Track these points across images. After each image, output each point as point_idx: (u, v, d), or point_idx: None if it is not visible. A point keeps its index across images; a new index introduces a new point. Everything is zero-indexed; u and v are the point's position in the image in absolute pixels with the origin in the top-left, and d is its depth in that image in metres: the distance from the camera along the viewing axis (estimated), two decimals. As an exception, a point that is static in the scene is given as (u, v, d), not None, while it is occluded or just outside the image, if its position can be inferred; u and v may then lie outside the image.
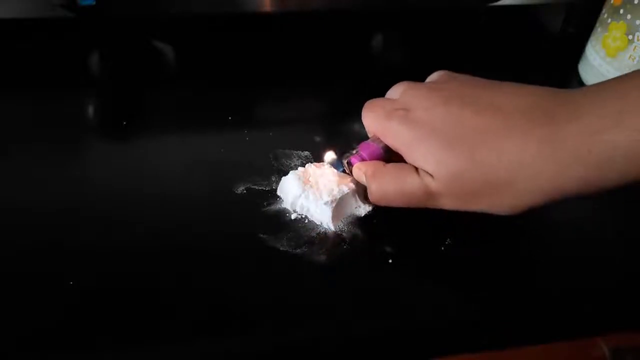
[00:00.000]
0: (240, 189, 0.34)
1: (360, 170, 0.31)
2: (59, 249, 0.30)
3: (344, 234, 0.31)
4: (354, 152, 0.32)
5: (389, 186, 0.29)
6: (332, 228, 0.31)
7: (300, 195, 0.32)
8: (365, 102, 0.32)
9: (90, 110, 0.43)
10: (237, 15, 0.52)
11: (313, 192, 0.32)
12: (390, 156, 0.31)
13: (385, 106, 0.30)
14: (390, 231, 0.32)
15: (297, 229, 0.32)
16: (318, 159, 0.36)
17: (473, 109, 0.27)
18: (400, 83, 0.32)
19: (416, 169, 0.29)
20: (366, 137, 0.33)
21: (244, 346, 0.26)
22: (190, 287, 0.28)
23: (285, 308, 0.27)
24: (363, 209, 0.33)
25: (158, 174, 0.36)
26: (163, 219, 0.32)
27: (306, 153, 0.37)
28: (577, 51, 0.48)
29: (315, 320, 0.27)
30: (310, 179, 0.33)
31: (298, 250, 0.30)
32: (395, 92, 0.32)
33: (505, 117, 0.27)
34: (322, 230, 0.32)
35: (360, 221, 0.32)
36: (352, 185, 0.32)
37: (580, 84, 0.47)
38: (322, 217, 0.32)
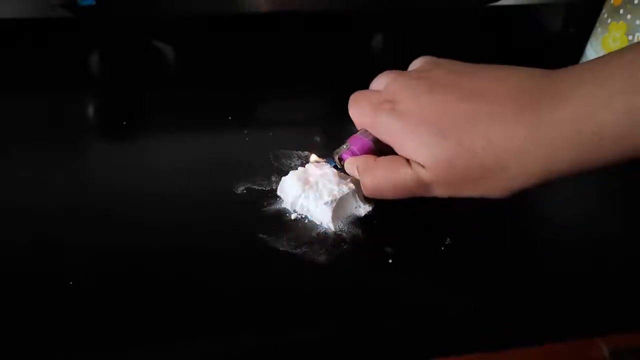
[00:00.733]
0: (240, 189, 0.34)
1: (352, 165, 0.32)
2: (59, 249, 0.30)
3: (344, 234, 0.31)
4: (345, 147, 0.32)
5: (382, 179, 0.30)
6: (332, 228, 0.31)
7: (300, 195, 0.32)
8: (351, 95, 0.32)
9: (90, 110, 0.43)
10: (237, 15, 0.52)
11: (313, 192, 0.32)
12: (380, 147, 0.31)
13: (371, 99, 0.30)
14: (390, 231, 0.32)
15: (297, 229, 0.32)
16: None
17: (459, 96, 0.27)
18: (384, 73, 0.32)
19: (407, 160, 0.29)
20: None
21: (244, 346, 0.26)
22: (190, 287, 0.28)
23: (285, 308, 0.27)
24: (363, 209, 0.33)
25: (158, 174, 0.36)
26: (163, 219, 0.32)
27: (306, 153, 0.37)
28: (577, 51, 0.48)
29: (315, 320, 0.27)
30: (310, 179, 0.33)
31: (298, 250, 0.30)
32: (380, 82, 0.31)
33: (491, 102, 0.26)
34: (322, 230, 0.32)
35: (360, 221, 0.32)
36: (352, 185, 0.32)
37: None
38: (322, 217, 0.32)
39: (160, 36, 0.51)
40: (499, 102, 0.26)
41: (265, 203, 0.33)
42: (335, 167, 0.33)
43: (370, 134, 0.31)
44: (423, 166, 0.28)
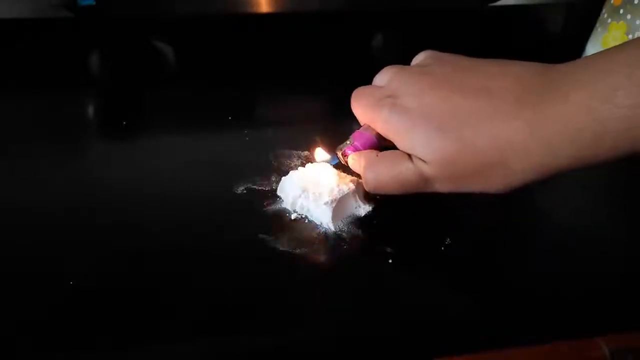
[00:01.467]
0: (240, 189, 0.34)
1: (355, 160, 0.32)
2: (59, 249, 0.30)
3: (344, 234, 0.31)
4: (348, 142, 0.32)
5: (384, 174, 0.30)
6: (332, 228, 0.31)
7: (300, 195, 0.32)
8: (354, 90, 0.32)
9: (90, 110, 0.43)
10: (237, 15, 0.52)
11: (313, 192, 0.32)
12: (384, 142, 0.31)
13: (373, 94, 0.31)
14: (390, 231, 0.32)
15: (297, 229, 0.32)
16: (312, 157, 0.36)
17: (460, 92, 0.27)
18: (387, 68, 0.32)
19: (409, 155, 0.29)
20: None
21: (244, 346, 0.26)
22: (190, 287, 0.28)
23: (285, 308, 0.27)
24: (363, 209, 0.33)
25: (158, 174, 0.36)
26: (163, 219, 0.32)
27: (306, 153, 0.37)
28: (577, 51, 0.48)
29: (315, 320, 0.27)
30: (311, 179, 0.33)
31: (298, 250, 0.30)
32: (382, 78, 0.32)
33: (493, 99, 0.27)
34: (322, 230, 0.32)
35: (360, 221, 0.32)
36: (352, 185, 0.32)
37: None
38: (322, 217, 0.32)
39: (160, 36, 0.51)
40: (501, 98, 0.26)
41: (265, 203, 0.33)
42: (339, 163, 0.33)
43: (374, 129, 0.31)
44: (425, 161, 0.28)
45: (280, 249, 0.30)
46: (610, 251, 0.32)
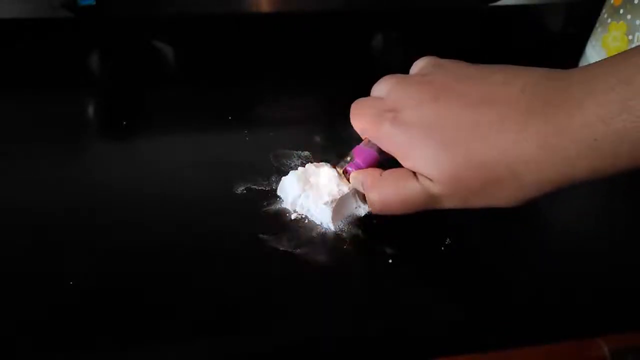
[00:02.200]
0: (240, 189, 0.34)
1: (357, 179, 0.31)
2: (59, 249, 0.30)
3: (344, 234, 0.31)
4: (349, 159, 0.32)
5: (389, 195, 0.29)
6: (332, 228, 0.31)
7: (300, 195, 0.32)
8: (352, 102, 0.31)
9: (90, 110, 0.43)
10: (237, 15, 0.52)
11: (313, 192, 0.32)
12: (386, 157, 0.30)
13: (373, 107, 0.29)
14: (390, 231, 0.32)
15: (297, 229, 0.32)
16: (318, 159, 0.36)
17: (463, 103, 0.26)
18: (385, 78, 0.31)
19: (414, 173, 0.28)
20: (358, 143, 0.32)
21: (243, 346, 0.26)
22: (190, 287, 0.28)
23: (285, 308, 0.27)
24: (363, 209, 0.33)
25: (158, 174, 0.36)
26: (163, 219, 0.32)
27: (306, 153, 0.37)
28: (577, 51, 0.48)
29: (315, 320, 0.27)
30: (310, 179, 0.33)
31: (298, 250, 0.30)
32: (381, 89, 0.30)
33: (498, 110, 0.25)
34: (322, 230, 0.32)
35: (360, 221, 0.32)
36: (352, 186, 0.32)
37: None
38: (322, 217, 0.32)
39: (160, 36, 0.51)
40: (507, 109, 0.25)
41: (265, 203, 0.33)
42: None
43: (375, 144, 0.30)
44: (430, 179, 0.27)
45: (280, 249, 0.30)
46: (610, 251, 0.32)
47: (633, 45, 0.40)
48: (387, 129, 0.28)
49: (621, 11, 0.41)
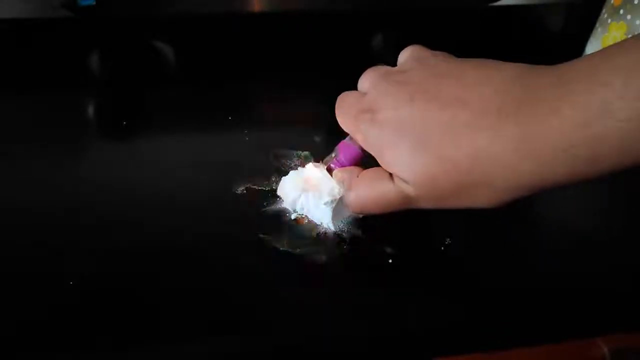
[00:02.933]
0: (240, 189, 0.34)
1: (339, 177, 0.31)
2: (59, 249, 0.30)
3: (344, 234, 0.31)
4: (333, 155, 0.32)
5: (366, 196, 0.29)
6: (332, 228, 0.31)
7: (300, 195, 0.32)
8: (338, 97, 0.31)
9: (90, 110, 0.43)
10: (237, 15, 0.52)
11: (313, 192, 0.32)
12: (368, 154, 0.30)
13: (353, 105, 0.30)
14: (390, 231, 0.32)
15: (297, 229, 0.32)
16: (318, 159, 0.36)
17: (438, 104, 0.26)
18: (368, 72, 0.31)
19: (390, 173, 0.28)
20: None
21: (244, 346, 0.26)
22: (190, 287, 0.28)
23: (285, 308, 0.27)
24: (363, 209, 0.33)
25: (158, 174, 0.36)
26: (163, 219, 0.32)
27: (306, 153, 0.37)
28: (577, 51, 0.48)
29: (315, 321, 0.27)
30: (311, 179, 0.33)
31: (298, 250, 0.30)
32: (364, 84, 0.30)
33: (472, 111, 0.25)
34: (322, 230, 0.32)
35: (360, 221, 0.32)
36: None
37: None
38: (322, 217, 0.32)
39: (160, 36, 0.51)
40: (481, 110, 0.24)
41: (265, 203, 0.33)
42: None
43: None
44: (406, 181, 0.27)
45: (280, 249, 0.30)
46: (610, 251, 0.32)
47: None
48: (364, 129, 0.28)
49: (621, 11, 0.41)
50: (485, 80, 0.25)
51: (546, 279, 0.30)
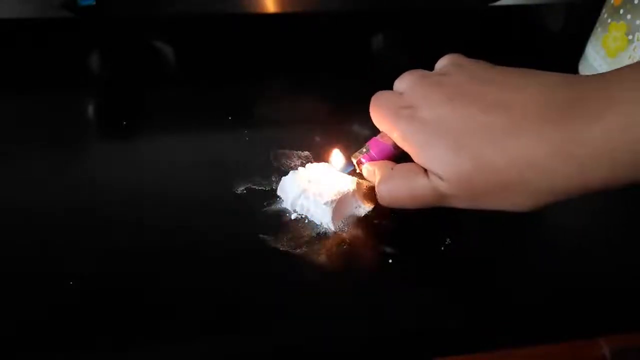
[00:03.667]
0: (240, 189, 0.34)
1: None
2: (59, 249, 0.30)
3: (344, 234, 0.31)
4: (364, 150, 0.32)
5: (398, 189, 0.29)
6: (332, 228, 0.31)
7: (300, 195, 0.32)
8: (372, 95, 0.31)
9: (90, 110, 0.43)
10: (237, 15, 0.52)
11: (313, 192, 0.32)
12: (401, 151, 0.30)
13: (392, 103, 0.30)
14: (390, 231, 0.32)
15: (297, 229, 0.32)
16: (318, 159, 0.36)
17: (479, 108, 0.26)
18: (408, 74, 0.31)
19: (425, 170, 0.28)
20: (369, 137, 0.33)
21: (244, 346, 0.26)
22: (190, 287, 0.28)
23: (285, 308, 0.27)
24: (363, 209, 0.33)
25: (158, 174, 0.36)
26: (163, 219, 0.32)
27: (306, 153, 0.37)
28: (577, 51, 0.48)
29: (315, 320, 0.27)
30: (310, 179, 0.33)
31: (298, 250, 0.30)
32: (402, 84, 0.31)
33: (513, 115, 0.25)
34: (322, 230, 0.32)
35: (360, 221, 0.32)
36: (352, 185, 0.32)
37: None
38: (322, 217, 0.32)
39: (160, 36, 0.51)
40: (522, 114, 0.25)
41: (265, 203, 0.33)
42: (354, 170, 0.33)
43: (391, 138, 0.31)
44: (441, 178, 0.27)
45: (280, 249, 0.30)
46: (610, 251, 0.32)
47: (633, 46, 0.40)
48: (403, 126, 0.28)
49: (621, 11, 0.41)
50: (526, 86, 0.26)
51: (546, 279, 0.30)
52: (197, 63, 0.50)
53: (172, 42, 0.51)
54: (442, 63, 0.31)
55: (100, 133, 0.41)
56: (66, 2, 0.45)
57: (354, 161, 0.33)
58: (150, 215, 0.32)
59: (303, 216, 0.32)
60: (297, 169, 0.34)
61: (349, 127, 0.39)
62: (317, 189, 0.32)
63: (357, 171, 0.33)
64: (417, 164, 0.28)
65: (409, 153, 0.29)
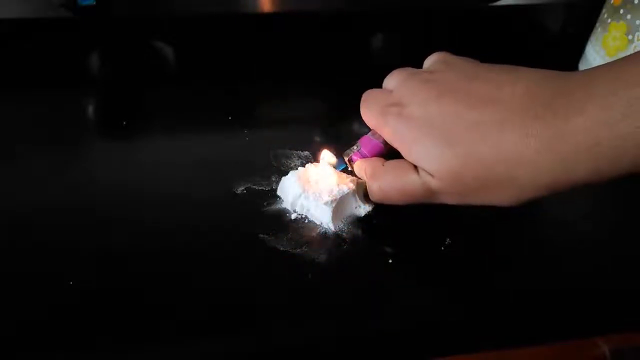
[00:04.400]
0: (240, 189, 0.34)
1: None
2: (59, 249, 0.30)
3: (344, 234, 0.31)
4: (355, 148, 0.32)
5: (389, 186, 0.30)
6: (332, 228, 0.31)
7: (300, 195, 0.32)
8: (363, 93, 0.32)
9: (90, 110, 0.43)
10: (237, 15, 0.52)
11: (313, 192, 0.32)
12: (391, 148, 0.31)
13: (381, 100, 0.30)
14: (390, 231, 0.32)
15: (297, 229, 0.32)
16: (318, 159, 0.36)
17: (467, 103, 0.27)
18: (396, 72, 0.31)
19: (415, 166, 0.28)
20: (366, 133, 0.33)
21: (243, 346, 0.26)
22: (190, 287, 0.28)
23: (285, 308, 0.27)
24: (363, 209, 0.33)
25: (158, 174, 0.36)
26: (163, 219, 0.32)
27: (306, 153, 0.37)
28: (577, 51, 0.48)
29: (315, 320, 0.27)
30: (310, 179, 0.33)
31: (298, 250, 0.30)
32: (391, 82, 0.31)
33: (501, 110, 0.26)
34: (322, 230, 0.32)
35: (360, 221, 0.32)
36: (352, 185, 0.32)
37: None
38: (322, 217, 0.32)
39: (160, 36, 0.51)
40: (509, 110, 0.25)
41: (265, 203, 0.33)
42: (346, 168, 0.34)
43: (381, 135, 0.31)
44: (430, 174, 0.27)
45: (280, 249, 0.30)
46: (610, 251, 0.32)
47: (633, 45, 0.40)
48: (392, 123, 0.29)
49: (621, 11, 0.41)
50: (513, 81, 0.26)
51: (546, 279, 0.30)
52: (197, 63, 0.50)
53: (172, 42, 0.51)
54: (430, 61, 0.32)
55: (100, 133, 0.41)
56: (66, 2, 0.45)
57: (346, 159, 0.33)
58: (150, 215, 0.32)
59: (303, 216, 0.32)
60: (297, 169, 0.34)
61: (349, 127, 0.39)
62: (317, 189, 0.32)
63: (349, 169, 0.33)
64: (407, 161, 0.29)
65: (399, 150, 0.29)
